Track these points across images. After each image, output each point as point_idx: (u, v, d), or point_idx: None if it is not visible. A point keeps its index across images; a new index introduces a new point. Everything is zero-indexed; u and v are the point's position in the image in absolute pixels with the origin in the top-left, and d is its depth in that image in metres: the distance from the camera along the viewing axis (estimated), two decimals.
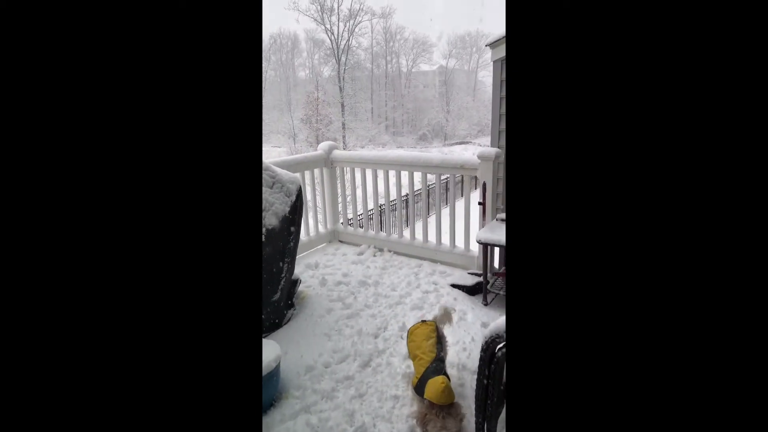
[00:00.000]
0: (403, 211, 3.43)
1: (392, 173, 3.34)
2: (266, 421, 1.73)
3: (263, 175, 2.36)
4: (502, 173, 2.73)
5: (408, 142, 27.98)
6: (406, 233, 3.47)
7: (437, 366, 1.71)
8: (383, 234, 3.52)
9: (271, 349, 1.86)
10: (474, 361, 2.05)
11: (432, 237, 3.27)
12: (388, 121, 29.42)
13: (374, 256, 3.39)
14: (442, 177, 3.35)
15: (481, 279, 2.65)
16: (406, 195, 4.20)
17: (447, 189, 10.49)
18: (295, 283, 2.64)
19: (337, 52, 26.58)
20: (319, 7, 25.61)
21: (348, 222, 3.82)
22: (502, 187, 2.74)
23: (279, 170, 2.51)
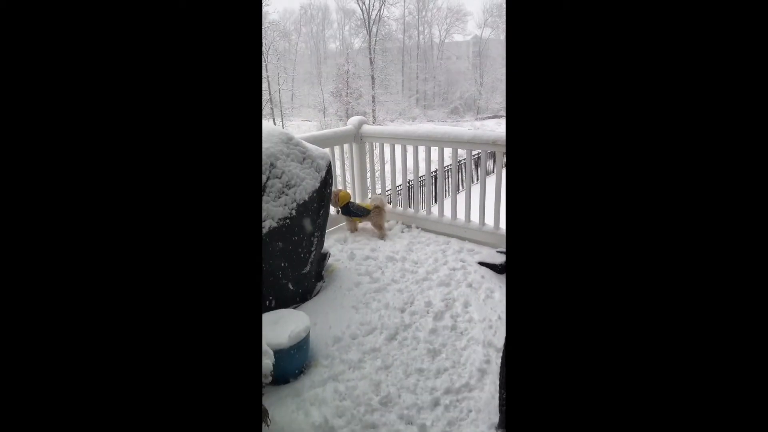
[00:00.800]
0: (432, 188, 3.40)
1: (422, 149, 3.30)
2: (296, 386, 1.83)
3: (294, 150, 2.39)
4: None
5: (439, 115, 27.40)
6: (435, 210, 3.45)
7: (351, 204, 3.26)
8: (411, 210, 3.52)
9: (300, 320, 1.94)
10: (500, 339, 2.06)
11: (461, 214, 3.24)
12: (419, 94, 28.82)
13: (402, 232, 3.41)
14: (473, 153, 3.28)
15: None
16: (436, 171, 4.16)
17: (478, 165, 10.27)
18: (325, 256, 2.70)
19: (368, 23, 26.00)
20: None
21: (368, 198, 3.83)
22: None
23: (309, 146, 2.53)
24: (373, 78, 25.08)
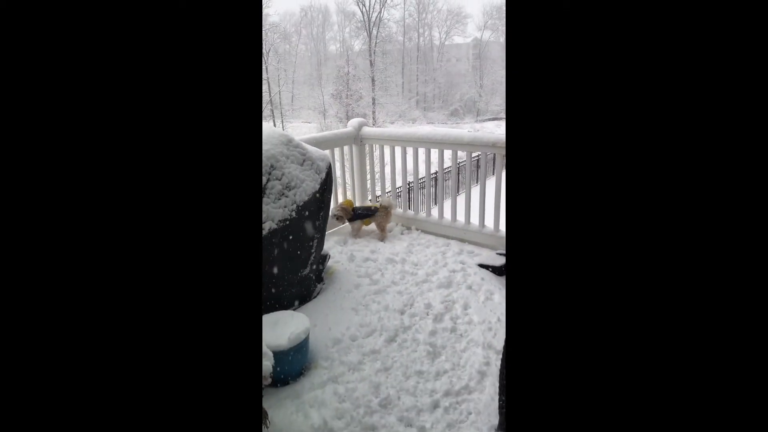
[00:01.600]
0: (432, 189, 3.40)
1: (422, 151, 3.30)
2: (296, 388, 1.82)
3: (294, 152, 2.39)
4: None
5: (439, 117, 27.43)
6: (434, 212, 3.45)
7: (357, 208, 3.30)
8: (411, 212, 3.52)
9: (300, 321, 1.94)
10: (500, 341, 2.06)
11: (461, 216, 3.25)
12: (419, 96, 28.86)
13: (402, 234, 3.41)
14: (473, 155, 3.28)
15: None
16: (436, 173, 4.16)
17: (478, 167, 10.27)
18: (325, 258, 2.70)
19: (369, 25, 26.05)
20: None
21: (376, 199, 3.84)
22: None
23: (309, 147, 2.54)
24: (373, 80, 25.11)
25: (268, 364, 1.56)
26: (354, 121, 3.60)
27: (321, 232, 2.54)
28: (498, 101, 27.73)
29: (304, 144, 2.51)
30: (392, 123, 23.65)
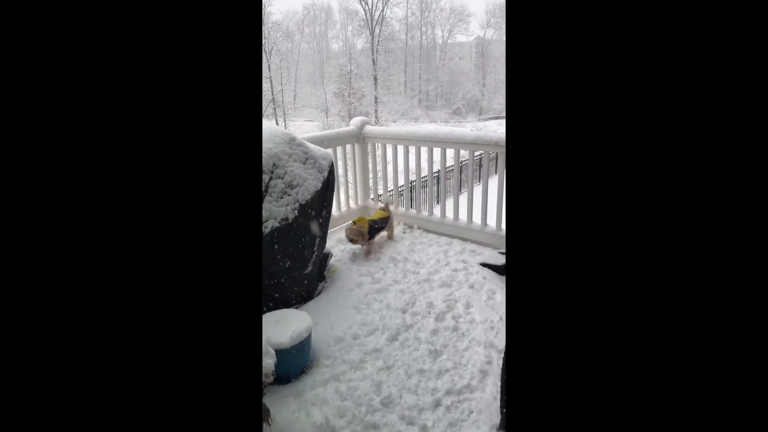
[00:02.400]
0: (434, 188, 3.40)
1: (424, 150, 3.30)
2: (297, 386, 1.83)
3: (297, 151, 2.39)
4: None
5: (441, 116, 27.37)
6: (437, 211, 3.45)
7: (374, 222, 3.02)
8: (413, 211, 3.52)
9: (302, 320, 1.94)
10: (501, 340, 2.06)
11: (463, 215, 3.24)
12: (422, 94, 28.81)
13: (404, 232, 3.41)
14: (476, 154, 3.28)
15: None
16: (438, 171, 4.15)
17: (480, 166, 10.26)
18: (327, 256, 2.71)
19: (371, 23, 26.00)
20: None
21: (379, 198, 3.84)
22: None
23: (312, 146, 2.54)
24: (375, 78, 25.07)
25: (270, 362, 1.57)
26: (356, 120, 3.60)
27: (323, 230, 2.55)
28: (501, 100, 27.62)
29: (306, 143, 2.51)
30: (395, 122, 23.63)
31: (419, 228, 3.43)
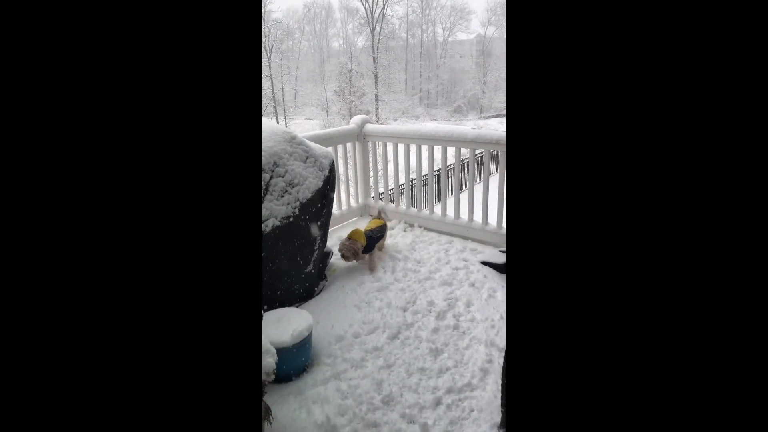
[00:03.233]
0: (435, 187, 3.39)
1: (425, 148, 3.30)
2: (299, 385, 1.83)
3: (297, 149, 2.39)
4: None
5: (442, 114, 27.34)
6: (437, 209, 3.44)
7: (368, 232, 2.77)
8: (414, 210, 3.52)
9: (303, 318, 1.94)
10: (502, 338, 2.06)
11: (464, 213, 3.24)
12: (422, 92, 28.77)
13: (404, 231, 3.40)
14: (477, 152, 3.27)
15: None
16: (439, 170, 4.15)
17: (481, 164, 10.25)
18: (327, 255, 2.71)
19: (372, 21, 25.94)
20: None
21: (379, 196, 3.83)
22: None
23: (312, 144, 2.54)
24: (376, 77, 25.03)
25: (271, 360, 1.57)
26: (357, 118, 3.60)
27: (324, 229, 2.55)
28: (501, 98, 27.53)
29: (307, 141, 2.51)
30: (395, 120, 23.60)
31: (420, 226, 3.43)
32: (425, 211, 3.46)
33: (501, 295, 2.43)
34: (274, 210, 2.19)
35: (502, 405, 1.55)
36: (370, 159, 3.66)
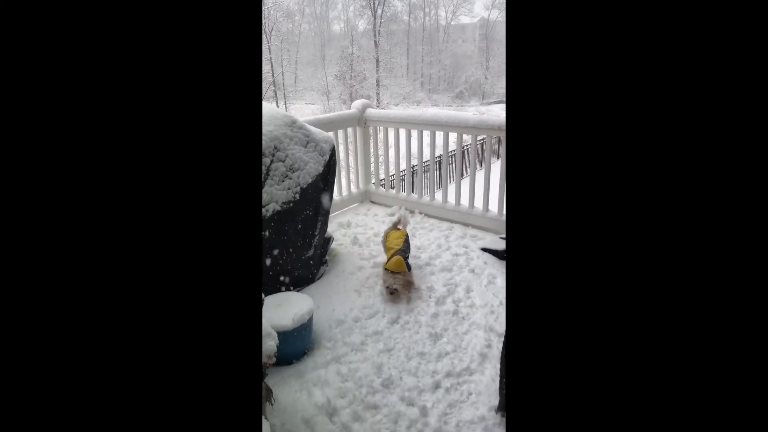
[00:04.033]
0: (436, 173, 3.37)
1: (426, 134, 3.27)
2: (299, 368, 1.86)
3: (298, 134, 2.37)
4: None
5: (444, 100, 27.07)
6: (438, 195, 3.44)
7: (401, 254, 2.38)
8: (415, 196, 3.51)
9: (304, 303, 1.96)
10: (501, 324, 2.07)
11: (464, 200, 3.24)
12: (424, 77, 28.45)
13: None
14: (478, 138, 3.24)
15: None
16: (440, 156, 4.12)
17: (482, 150, 10.19)
18: (328, 240, 2.71)
19: (373, 4, 25.47)
20: None
21: (380, 183, 3.82)
22: None
23: (313, 129, 2.52)
24: (377, 61, 24.69)
25: (272, 343, 1.59)
26: (358, 103, 3.56)
27: (324, 214, 2.55)
28: (504, 84, 27.20)
29: (307, 125, 2.49)
30: (396, 105, 23.37)
31: (420, 213, 3.43)
32: (426, 198, 3.45)
33: (501, 282, 2.44)
34: (275, 195, 2.18)
35: (501, 388, 1.57)
36: (371, 144, 3.64)
